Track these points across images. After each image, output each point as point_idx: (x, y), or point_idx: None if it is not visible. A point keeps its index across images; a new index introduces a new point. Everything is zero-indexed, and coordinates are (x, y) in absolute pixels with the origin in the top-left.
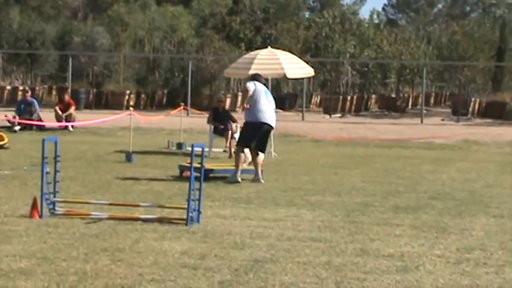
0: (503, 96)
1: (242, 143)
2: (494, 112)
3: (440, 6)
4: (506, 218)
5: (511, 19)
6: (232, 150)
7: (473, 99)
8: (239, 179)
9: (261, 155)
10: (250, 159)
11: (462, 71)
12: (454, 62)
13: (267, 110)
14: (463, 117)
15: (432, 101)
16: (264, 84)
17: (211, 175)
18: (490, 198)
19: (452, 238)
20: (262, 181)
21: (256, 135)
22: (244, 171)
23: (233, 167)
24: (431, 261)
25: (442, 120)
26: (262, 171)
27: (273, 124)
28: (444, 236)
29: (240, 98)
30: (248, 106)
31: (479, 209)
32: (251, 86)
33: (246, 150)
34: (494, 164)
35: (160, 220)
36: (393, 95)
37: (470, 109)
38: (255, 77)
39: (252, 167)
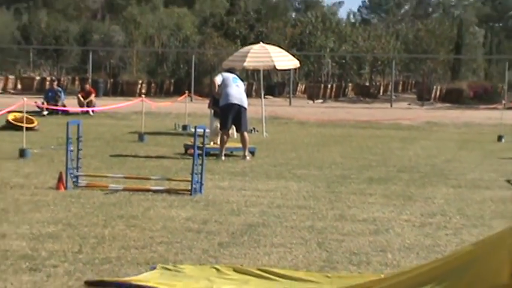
0: (461, 84)
1: (222, 127)
2: (452, 98)
3: (406, 7)
4: (463, 188)
5: (466, 18)
6: (229, 131)
7: (435, 86)
8: (223, 158)
9: (246, 136)
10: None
11: (425, 62)
12: (419, 55)
13: (235, 93)
14: (426, 102)
15: (400, 88)
16: (237, 75)
17: (211, 152)
18: (449, 171)
19: (417, 205)
20: (248, 158)
21: (229, 116)
22: (236, 149)
23: (233, 146)
24: (399, 225)
25: (409, 104)
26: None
27: (243, 104)
28: (410, 203)
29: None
30: (218, 92)
31: (440, 180)
32: (218, 78)
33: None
34: (452, 142)
35: (168, 191)
36: (367, 84)
37: (433, 95)
38: (228, 70)
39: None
